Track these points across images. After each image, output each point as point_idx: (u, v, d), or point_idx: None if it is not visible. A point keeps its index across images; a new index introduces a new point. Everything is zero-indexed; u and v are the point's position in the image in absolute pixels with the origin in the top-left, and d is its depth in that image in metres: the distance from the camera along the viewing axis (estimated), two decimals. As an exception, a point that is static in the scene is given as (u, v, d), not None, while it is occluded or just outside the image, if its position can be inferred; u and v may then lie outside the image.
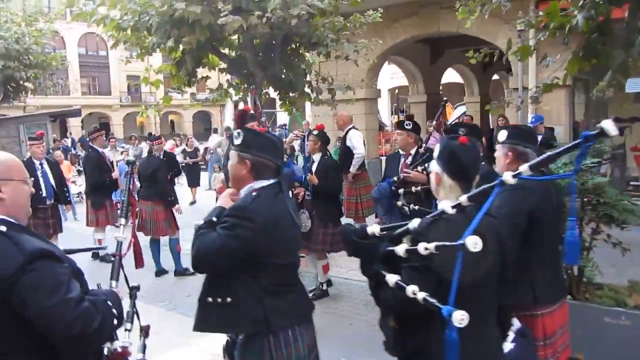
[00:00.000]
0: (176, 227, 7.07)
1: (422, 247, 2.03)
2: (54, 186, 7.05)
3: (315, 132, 5.45)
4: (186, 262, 7.26)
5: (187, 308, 6.00)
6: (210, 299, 2.35)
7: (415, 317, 2.11)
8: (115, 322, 1.95)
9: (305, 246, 5.45)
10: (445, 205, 2.13)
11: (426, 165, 4.87)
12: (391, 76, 24.18)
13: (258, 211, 2.29)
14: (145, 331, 2.47)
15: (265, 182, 2.40)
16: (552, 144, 9.14)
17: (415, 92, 15.32)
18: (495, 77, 19.73)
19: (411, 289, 1.99)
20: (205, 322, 2.40)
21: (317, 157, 5.56)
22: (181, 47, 7.85)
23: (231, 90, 9.20)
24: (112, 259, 2.35)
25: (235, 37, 8.59)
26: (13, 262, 1.70)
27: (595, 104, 9.99)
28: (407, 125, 5.04)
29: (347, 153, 7.36)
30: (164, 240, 7.18)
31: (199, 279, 7.50)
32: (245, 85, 8.77)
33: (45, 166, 7.02)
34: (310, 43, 8.24)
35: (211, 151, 16.11)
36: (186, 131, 39.32)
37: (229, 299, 2.30)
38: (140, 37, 7.92)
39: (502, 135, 3.00)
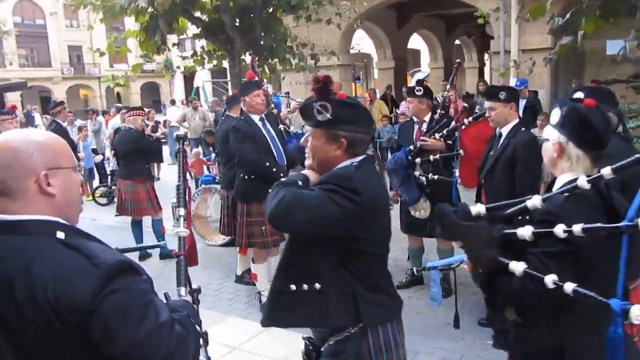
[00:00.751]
0: (159, 207, 6.54)
1: (560, 230, 1.73)
2: None
3: None
4: (172, 244, 6.80)
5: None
6: (293, 287, 1.95)
7: (543, 310, 1.82)
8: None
9: None
10: (581, 179, 1.80)
11: (444, 131, 4.58)
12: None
13: (364, 184, 1.90)
14: (204, 339, 2.08)
15: (360, 158, 2.02)
16: (537, 108, 9.11)
17: (383, 58, 15.01)
18: (457, 42, 19.67)
19: (551, 279, 1.68)
20: (284, 315, 2.02)
21: None
22: (150, 10, 7.20)
23: (205, 57, 8.57)
24: (176, 259, 1.90)
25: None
26: (88, 281, 1.26)
27: (572, 67, 9.94)
28: (417, 91, 4.70)
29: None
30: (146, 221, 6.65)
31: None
32: (220, 53, 8.20)
33: None
34: (290, 6, 7.73)
35: (171, 124, 15.35)
36: (134, 103, 37.63)
37: (317, 285, 1.93)
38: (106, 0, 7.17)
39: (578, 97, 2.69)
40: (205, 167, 10.46)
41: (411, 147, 4.53)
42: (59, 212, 1.43)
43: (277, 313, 2.03)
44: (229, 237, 6.33)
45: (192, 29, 8.44)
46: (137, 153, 6.30)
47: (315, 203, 1.84)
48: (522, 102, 8.80)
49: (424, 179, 4.58)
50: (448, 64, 18.13)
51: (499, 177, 3.75)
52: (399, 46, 15.06)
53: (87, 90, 40.66)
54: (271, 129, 4.48)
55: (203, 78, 28.19)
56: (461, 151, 4.40)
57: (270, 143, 4.39)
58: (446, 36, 17.64)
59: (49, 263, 1.29)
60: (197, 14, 8.03)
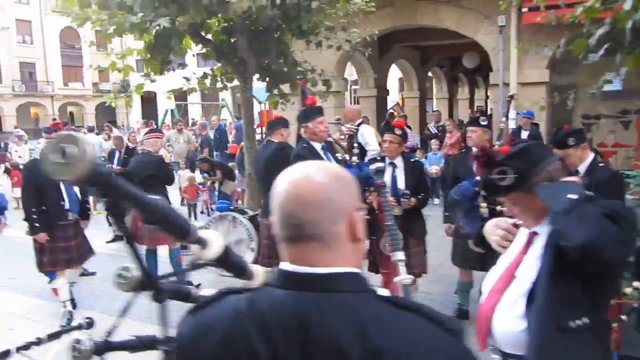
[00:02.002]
0: (176, 235, 6.14)
1: None
2: (79, 195, 5.47)
3: (397, 131, 4.69)
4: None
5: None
6: (572, 324, 1.72)
7: None
8: None
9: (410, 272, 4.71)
10: None
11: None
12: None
13: None
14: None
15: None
16: (538, 140, 9.27)
17: (365, 86, 15.05)
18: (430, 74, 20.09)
19: None
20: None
21: (399, 161, 4.67)
22: (156, 30, 6.87)
23: (206, 81, 8.26)
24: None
25: (213, 20, 7.72)
26: (450, 353, 1.05)
27: (563, 102, 10.24)
28: (482, 121, 4.64)
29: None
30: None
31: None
32: (229, 75, 7.95)
33: None
34: (301, 30, 7.58)
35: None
36: (88, 124, 36.22)
37: (585, 319, 1.73)
38: (115, 15, 6.78)
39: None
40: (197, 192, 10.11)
41: (478, 177, 4.41)
42: (358, 261, 1.20)
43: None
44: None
45: (196, 50, 8.18)
46: (157, 178, 5.94)
47: (620, 238, 1.64)
48: (525, 134, 8.97)
49: (487, 210, 4.46)
50: (422, 93, 18.45)
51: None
52: (380, 75, 15.17)
53: (38, 108, 39.00)
54: (332, 158, 4.27)
55: (165, 100, 27.52)
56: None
57: (334, 172, 4.18)
58: (421, 66, 17.98)
59: (393, 330, 1.04)
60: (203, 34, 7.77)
